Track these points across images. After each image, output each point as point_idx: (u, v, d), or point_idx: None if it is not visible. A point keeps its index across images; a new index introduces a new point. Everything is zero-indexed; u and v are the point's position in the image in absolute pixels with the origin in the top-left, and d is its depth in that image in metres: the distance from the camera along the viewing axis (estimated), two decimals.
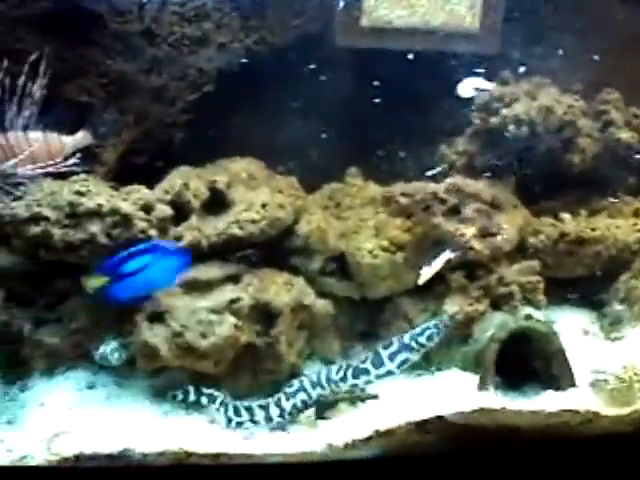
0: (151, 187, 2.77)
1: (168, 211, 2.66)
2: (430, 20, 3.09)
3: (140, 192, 2.66)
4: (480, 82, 2.90)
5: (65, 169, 2.58)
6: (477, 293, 2.79)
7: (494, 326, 2.70)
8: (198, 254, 2.67)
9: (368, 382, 2.62)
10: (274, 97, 3.17)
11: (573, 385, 2.69)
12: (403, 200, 2.84)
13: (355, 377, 2.60)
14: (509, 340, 2.68)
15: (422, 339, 2.62)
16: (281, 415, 2.57)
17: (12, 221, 2.59)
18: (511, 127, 2.93)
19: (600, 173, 3.24)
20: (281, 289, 2.72)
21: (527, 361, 2.81)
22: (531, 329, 2.66)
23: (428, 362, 2.83)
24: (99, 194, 2.63)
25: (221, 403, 2.61)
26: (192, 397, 2.63)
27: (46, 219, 2.57)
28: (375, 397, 2.72)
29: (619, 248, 3.08)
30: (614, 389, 2.70)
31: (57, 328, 2.80)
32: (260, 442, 2.55)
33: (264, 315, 2.70)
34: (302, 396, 2.60)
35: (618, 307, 3.02)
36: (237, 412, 2.58)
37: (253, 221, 2.72)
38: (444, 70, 3.06)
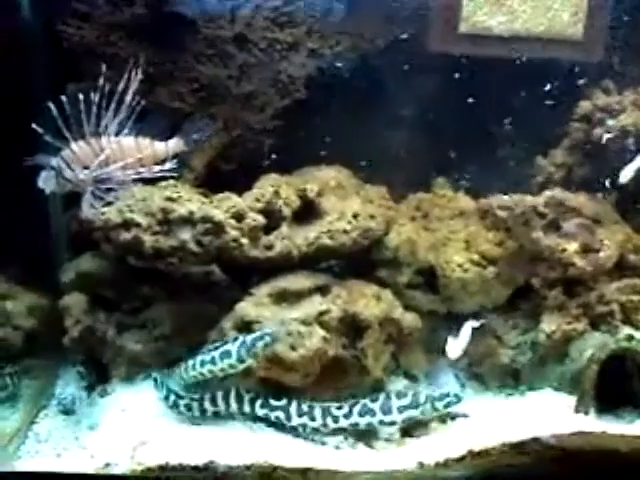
0: (239, 194, 2.73)
1: (260, 219, 2.62)
2: (532, 27, 2.99)
3: (232, 200, 2.64)
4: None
5: (161, 174, 2.58)
6: (576, 311, 2.68)
7: (593, 346, 2.59)
8: (288, 264, 2.66)
9: (369, 424, 2.52)
10: (365, 104, 3.09)
11: None
12: (501, 213, 2.74)
13: (361, 415, 2.51)
14: (607, 361, 2.61)
15: (439, 405, 2.57)
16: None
17: (103, 226, 2.60)
18: (617, 139, 2.80)
19: None
20: (370, 301, 2.66)
21: (624, 383, 2.74)
22: (632, 350, 2.55)
23: (517, 381, 2.75)
24: (190, 200, 2.62)
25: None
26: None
27: (137, 225, 2.57)
28: (465, 416, 2.67)
29: None
30: None
31: (140, 334, 2.79)
32: (347, 458, 2.51)
33: (352, 327, 2.63)
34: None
35: None
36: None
37: (345, 231, 2.66)
38: (544, 78, 2.96)
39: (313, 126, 3.08)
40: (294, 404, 2.53)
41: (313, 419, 2.52)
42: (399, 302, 2.77)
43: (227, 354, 2.47)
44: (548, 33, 2.96)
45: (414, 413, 2.55)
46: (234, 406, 2.55)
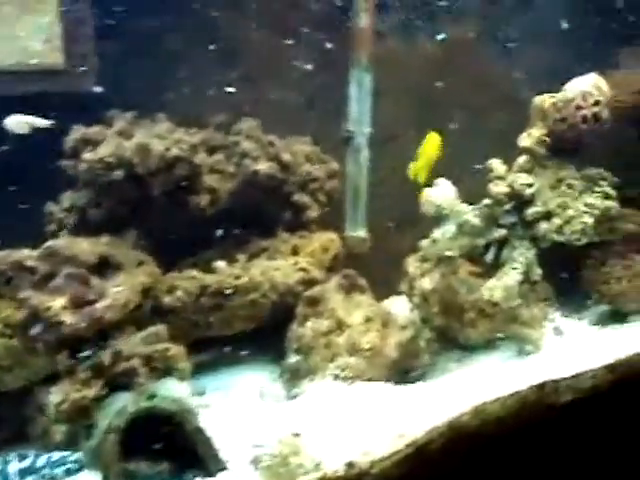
0: None
1: None
2: (3, 59, 2.66)
3: None
4: (32, 120, 2.47)
5: None
6: (85, 375, 2.22)
7: (112, 413, 2.26)
8: None
9: None
10: None
11: (223, 468, 2.28)
12: None
13: None
14: (138, 425, 2.26)
15: (59, 470, 2.21)
16: None
17: None
18: (101, 172, 2.49)
19: (251, 211, 2.82)
20: None
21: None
22: (157, 410, 2.22)
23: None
24: None
25: None
26: None
27: None
28: None
29: (281, 292, 2.66)
30: (270, 466, 2.31)
31: None
32: None
33: None
34: None
35: (294, 359, 2.60)
36: None
37: None
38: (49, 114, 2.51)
39: None
40: None
41: None
42: None
43: None
44: (25, 65, 2.65)
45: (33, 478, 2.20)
46: None
